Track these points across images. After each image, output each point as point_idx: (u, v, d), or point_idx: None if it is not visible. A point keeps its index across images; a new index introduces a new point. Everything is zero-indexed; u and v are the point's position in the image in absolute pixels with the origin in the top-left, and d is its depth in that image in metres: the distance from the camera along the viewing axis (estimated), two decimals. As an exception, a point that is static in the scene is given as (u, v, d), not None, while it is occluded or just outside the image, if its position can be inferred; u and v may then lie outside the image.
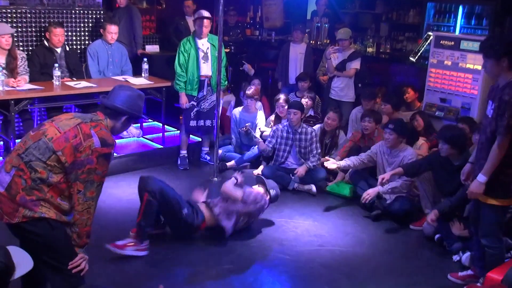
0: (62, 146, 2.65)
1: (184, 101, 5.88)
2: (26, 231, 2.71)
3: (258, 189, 4.61)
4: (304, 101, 6.44)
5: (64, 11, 6.56)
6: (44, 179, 2.65)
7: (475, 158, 3.60)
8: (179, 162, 6.12)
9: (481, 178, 3.37)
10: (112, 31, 6.35)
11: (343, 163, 5.15)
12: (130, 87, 3.07)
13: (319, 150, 5.68)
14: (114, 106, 2.87)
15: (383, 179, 4.66)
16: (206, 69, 5.89)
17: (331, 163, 5.11)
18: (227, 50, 7.95)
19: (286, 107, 6.21)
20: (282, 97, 6.35)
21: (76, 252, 2.81)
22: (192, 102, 5.93)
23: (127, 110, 2.90)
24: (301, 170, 5.48)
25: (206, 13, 5.87)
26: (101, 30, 6.45)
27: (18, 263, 2.30)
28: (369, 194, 4.83)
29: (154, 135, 6.92)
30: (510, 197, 3.45)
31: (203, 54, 5.84)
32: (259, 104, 6.55)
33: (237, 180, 4.54)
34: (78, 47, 6.80)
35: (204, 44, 5.87)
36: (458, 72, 5.92)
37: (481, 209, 3.57)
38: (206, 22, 5.80)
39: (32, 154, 2.66)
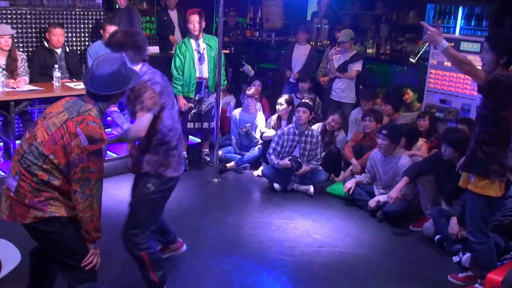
0: (52, 149, 2.63)
1: (182, 104, 5.88)
2: (38, 230, 2.73)
3: None
4: (304, 101, 6.45)
5: (64, 12, 6.56)
6: (46, 181, 2.66)
7: (469, 149, 3.60)
8: (179, 163, 6.12)
9: (444, 43, 3.49)
10: (112, 31, 6.34)
11: (360, 178, 5.29)
12: (107, 61, 2.76)
13: (322, 155, 5.69)
14: (104, 95, 2.72)
15: (391, 199, 4.67)
16: (203, 70, 5.88)
17: (348, 184, 5.24)
18: (227, 51, 7.96)
19: (285, 106, 6.21)
20: (284, 96, 6.35)
21: (88, 248, 2.82)
22: (190, 104, 5.93)
23: (118, 91, 2.76)
24: (304, 168, 5.48)
25: (191, 11, 5.83)
26: (101, 31, 6.45)
27: (6, 257, 2.28)
28: (369, 206, 5.01)
29: (154, 136, 6.91)
30: (490, 178, 3.45)
31: (199, 56, 5.83)
32: (258, 105, 6.55)
33: None
34: (78, 48, 6.81)
35: (200, 45, 5.86)
36: (458, 73, 5.92)
37: (467, 204, 3.63)
38: (191, 18, 5.76)
39: (28, 159, 2.66)
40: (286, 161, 5.42)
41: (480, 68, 3.46)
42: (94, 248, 2.82)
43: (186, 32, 6.90)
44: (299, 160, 5.46)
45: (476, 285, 3.79)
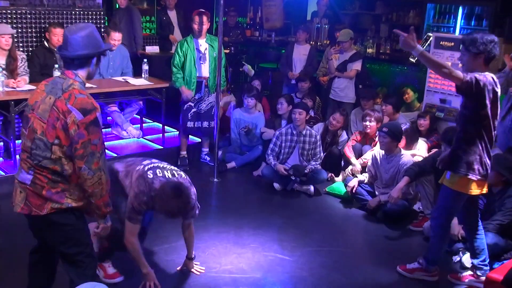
0: (54, 135, 2.64)
1: (187, 94, 5.85)
2: (52, 222, 2.75)
3: None
4: (304, 101, 6.45)
5: (64, 12, 6.56)
6: (60, 172, 2.68)
7: (452, 147, 3.67)
8: (179, 163, 6.11)
9: (419, 48, 3.36)
10: (116, 38, 6.37)
11: (361, 177, 5.27)
12: (78, 27, 2.80)
13: (322, 154, 5.69)
14: (81, 55, 2.72)
15: (392, 198, 4.70)
16: (203, 70, 5.89)
17: (351, 184, 5.21)
18: (227, 51, 7.97)
19: (285, 105, 6.21)
20: (284, 96, 6.35)
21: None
22: (190, 103, 5.94)
23: (94, 52, 2.77)
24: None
25: (197, 11, 5.85)
26: (105, 35, 6.45)
27: None
28: (369, 206, 5.02)
29: (154, 136, 6.93)
30: (467, 177, 3.51)
31: (200, 55, 5.84)
32: (259, 105, 6.55)
33: None
34: (78, 48, 6.81)
35: (202, 44, 5.86)
36: (458, 73, 5.92)
37: (440, 192, 3.77)
38: (196, 19, 5.78)
39: (37, 155, 2.67)
40: (282, 170, 5.44)
41: (458, 70, 3.47)
42: (104, 222, 2.85)
43: (185, 32, 6.91)
44: (305, 172, 5.43)
45: (416, 263, 3.95)
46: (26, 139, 2.74)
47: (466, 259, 4.12)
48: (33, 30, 6.33)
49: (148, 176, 3.36)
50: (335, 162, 5.94)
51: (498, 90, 3.46)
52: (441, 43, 6.10)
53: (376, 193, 5.13)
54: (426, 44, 6.96)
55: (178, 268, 3.86)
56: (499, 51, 3.61)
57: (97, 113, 2.67)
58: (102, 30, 6.58)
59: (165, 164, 3.56)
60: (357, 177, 5.31)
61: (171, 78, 5.96)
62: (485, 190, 3.64)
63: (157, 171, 3.41)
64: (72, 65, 2.74)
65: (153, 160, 3.58)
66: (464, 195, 3.59)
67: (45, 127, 2.65)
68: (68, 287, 2.91)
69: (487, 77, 3.38)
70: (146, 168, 3.43)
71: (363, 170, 5.49)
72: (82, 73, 2.77)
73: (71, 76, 2.73)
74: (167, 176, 3.38)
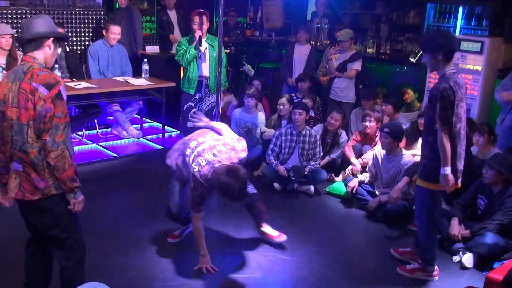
0: (27, 116, 2.71)
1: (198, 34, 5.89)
2: (42, 207, 2.83)
3: None
4: (304, 101, 6.45)
5: (65, 12, 6.57)
6: (37, 156, 2.74)
7: (424, 158, 3.73)
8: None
9: (443, 170, 3.51)
10: (115, 31, 6.36)
11: (362, 177, 5.27)
12: (36, 16, 2.95)
13: (321, 154, 5.70)
14: (35, 34, 2.79)
15: (392, 198, 4.74)
16: (204, 69, 5.90)
17: (352, 184, 5.21)
18: (227, 51, 7.98)
19: (287, 106, 6.21)
20: (285, 96, 6.37)
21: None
22: (190, 103, 5.95)
23: (49, 32, 2.84)
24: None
25: (196, 11, 5.87)
26: (103, 31, 6.44)
27: None
28: (370, 206, 5.02)
29: (154, 136, 6.94)
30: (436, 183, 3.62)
31: (200, 54, 5.85)
32: (259, 105, 6.55)
33: None
34: (78, 48, 6.81)
35: (202, 44, 5.88)
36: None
37: (416, 193, 3.88)
38: (196, 19, 5.79)
39: (17, 140, 2.75)
40: (282, 171, 5.44)
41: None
42: (73, 197, 2.86)
43: (185, 32, 6.92)
44: (305, 172, 5.46)
45: (414, 263, 4.00)
46: (6, 130, 2.81)
47: (466, 259, 4.12)
48: (33, 30, 6.33)
49: (194, 169, 3.60)
50: (336, 166, 5.96)
51: (463, 90, 3.54)
52: (441, 43, 6.08)
53: (377, 193, 5.13)
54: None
55: (194, 268, 3.89)
56: (501, 51, 3.64)
57: (60, 86, 2.76)
58: (102, 30, 6.58)
59: (203, 145, 3.72)
60: (357, 177, 5.32)
61: (172, 78, 5.98)
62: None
63: (199, 159, 3.63)
64: (29, 46, 2.82)
65: (191, 145, 3.77)
66: (438, 191, 3.69)
67: (18, 111, 2.73)
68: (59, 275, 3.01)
69: (450, 88, 3.42)
70: (189, 159, 3.67)
71: (363, 170, 5.50)
72: (39, 55, 2.83)
73: (29, 59, 2.81)
74: (210, 161, 3.60)
